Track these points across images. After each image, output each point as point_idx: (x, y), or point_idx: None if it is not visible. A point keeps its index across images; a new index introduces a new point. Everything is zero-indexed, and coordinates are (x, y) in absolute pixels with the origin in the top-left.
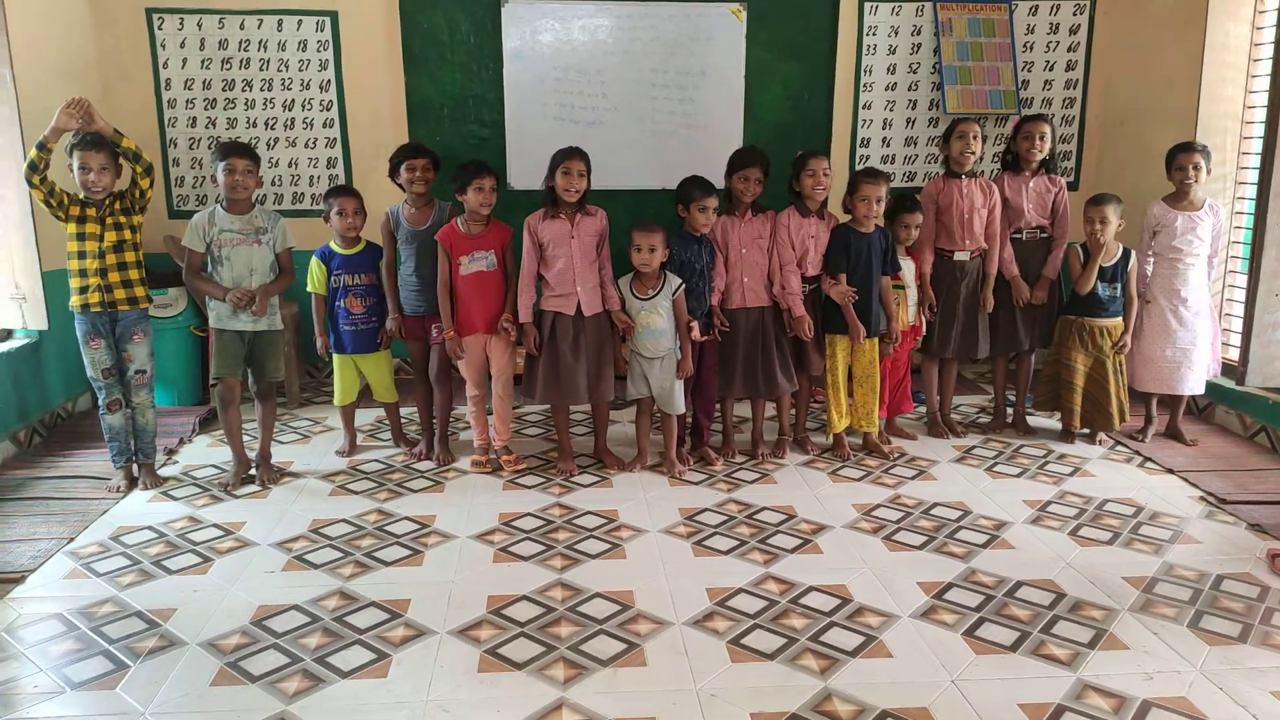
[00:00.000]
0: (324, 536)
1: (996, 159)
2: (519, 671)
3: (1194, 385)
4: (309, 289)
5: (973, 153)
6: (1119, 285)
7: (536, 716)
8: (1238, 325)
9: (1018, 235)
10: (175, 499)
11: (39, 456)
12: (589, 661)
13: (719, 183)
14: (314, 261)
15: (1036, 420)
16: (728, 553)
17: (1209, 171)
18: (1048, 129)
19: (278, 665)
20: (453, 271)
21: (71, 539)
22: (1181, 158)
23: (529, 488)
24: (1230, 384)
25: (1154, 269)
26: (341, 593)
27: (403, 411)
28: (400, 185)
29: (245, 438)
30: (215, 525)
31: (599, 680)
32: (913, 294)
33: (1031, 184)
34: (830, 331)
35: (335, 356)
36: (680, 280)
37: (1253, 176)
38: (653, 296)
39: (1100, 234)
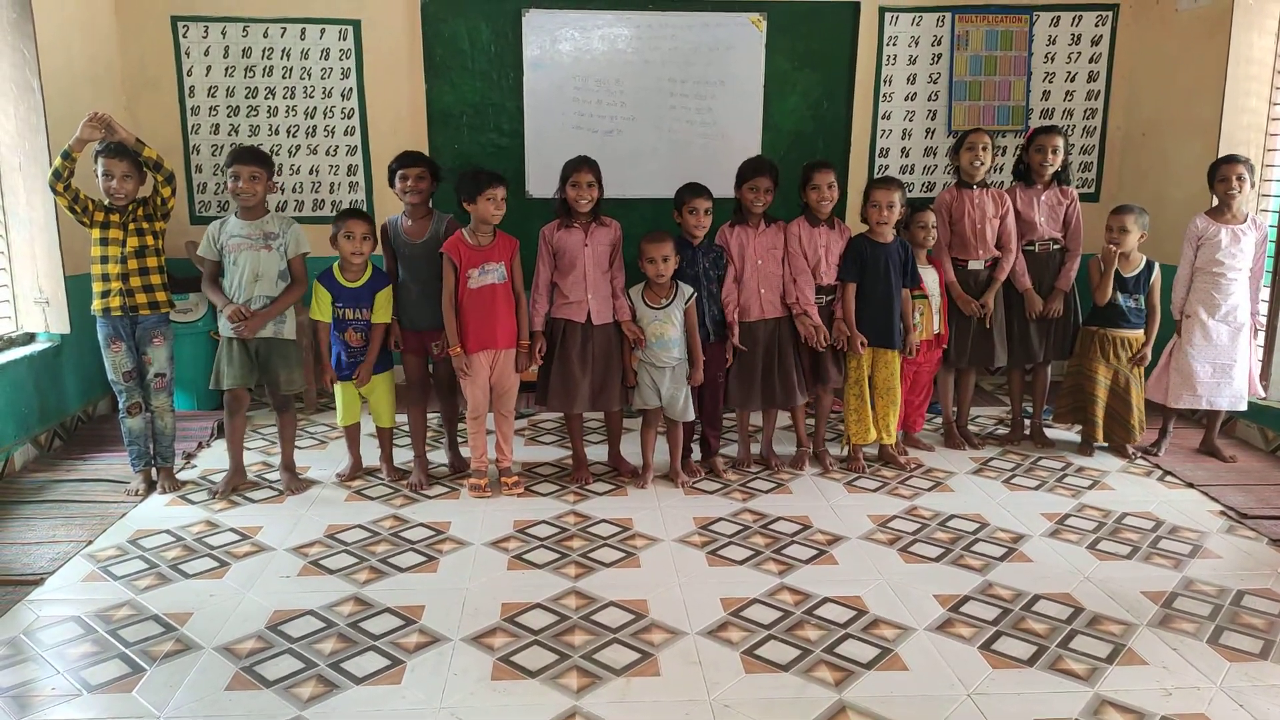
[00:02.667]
0: (339, 542)
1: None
2: (532, 680)
3: (1232, 401)
4: (313, 316)
5: (981, 163)
6: (1141, 296)
7: None
8: (1260, 339)
9: (1030, 248)
10: (193, 503)
11: (59, 459)
12: (602, 670)
13: (732, 192)
14: (317, 286)
15: (1055, 433)
16: (742, 563)
17: (1253, 184)
18: (1060, 141)
19: (293, 670)
20: (459, 285)
21: (90, 542)
22: (1225, 169)
23: (543, 495)
24: (1252, 397)
25: (1195, 283)
26: (356, 598)
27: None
28: (398, 195)
29: (263, 442)
30: (232, 530)
31: (612, 689)
32: (935, 303)
33: (1043, 196)
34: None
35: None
36: (692, 290)
37: (1276, 189)
38: (665, 306)
39: (1119, 243)
